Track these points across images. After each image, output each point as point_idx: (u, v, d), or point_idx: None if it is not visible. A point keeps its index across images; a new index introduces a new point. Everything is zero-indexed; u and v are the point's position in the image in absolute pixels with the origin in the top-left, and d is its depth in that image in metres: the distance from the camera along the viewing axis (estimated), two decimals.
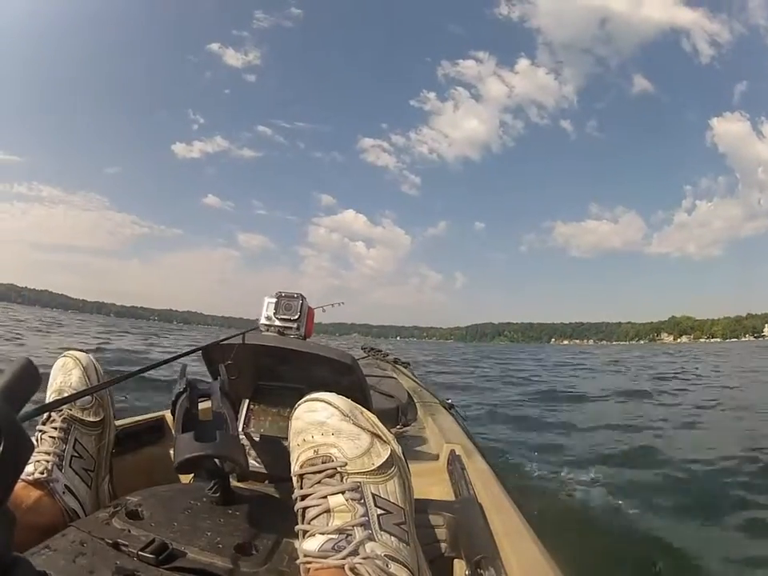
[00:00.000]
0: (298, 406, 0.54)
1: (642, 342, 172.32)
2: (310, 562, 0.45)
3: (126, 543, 0.54)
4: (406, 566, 0.46)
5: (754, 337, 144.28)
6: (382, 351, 3.69)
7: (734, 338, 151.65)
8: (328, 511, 0.47)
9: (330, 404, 0.52)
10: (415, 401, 1.85)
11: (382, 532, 0.47)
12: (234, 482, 0.71)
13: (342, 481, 0.48)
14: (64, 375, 0.79)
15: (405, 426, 1.58)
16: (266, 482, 0.89)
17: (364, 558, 0.44)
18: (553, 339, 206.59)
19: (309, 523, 0.48)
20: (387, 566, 0.45)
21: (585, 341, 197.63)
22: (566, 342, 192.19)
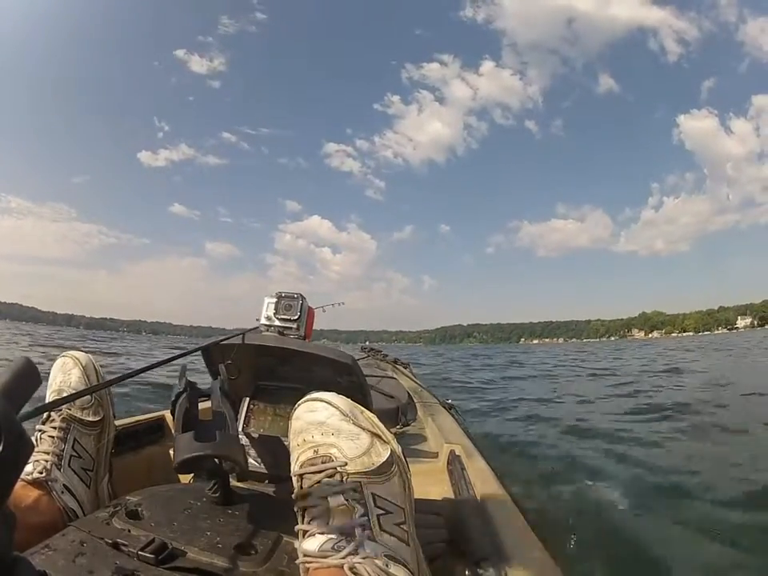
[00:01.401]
0: (298, 405, 0.54)
1: (612, 338, 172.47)
2: (309, 562, 0.45)
3: (126, 543, 0.53)
4: (405, 566, 0.46)
5: (728, 329, 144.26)
6: (381, 351, 3.70)
7: (706, 331, 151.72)
8: (328, 511, 0.47)
9: (330, 404, 0.52)
10: (415, 401, 1.85)
11: (382, 532, 0.47)
12: (233, 482, 0.71)
13: (341, 481, 0.48)
14: (63, 375, 0.79)
15: (405, 426, 1.58)
16: (266, 481, 0.89)
17: (364, 558, 0.44)
18: (522, 339, 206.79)
19: (308, 523, 0.48)
20: (387, 566, 0.45)
21: (555, 339, 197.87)
22: (535, 342, 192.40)
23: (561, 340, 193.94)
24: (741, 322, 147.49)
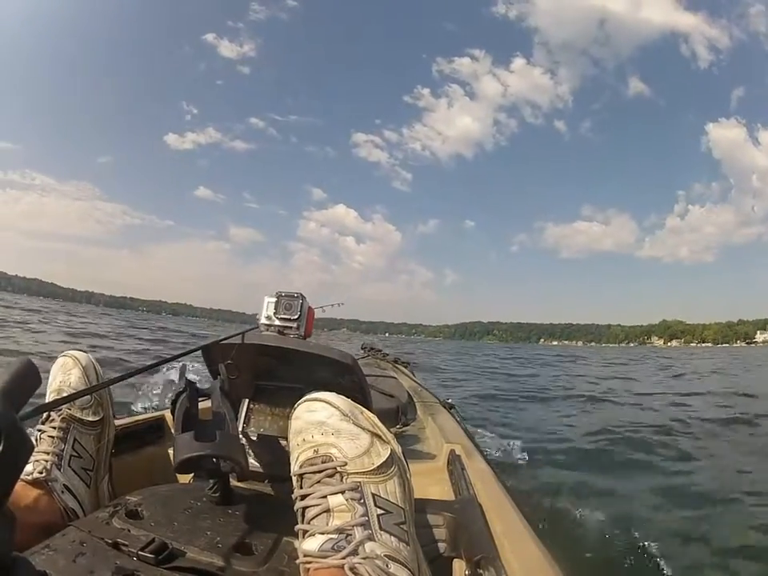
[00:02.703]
0: (298, 405, 0.54)
1: (632, 344, 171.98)
2: (309, 562, 0.45)
3: (126, 543, 0.53)
4: (405, 566, 0.46)
5: (746, 343, 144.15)
6: (381, 351, 3.70)
7: (725, 343, 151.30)
8: (328, 511, 0.47)
9: (330, 404, 0.52)
10: (415, 400, 1.85)
11: (382, 532, 0.47)
12: (233, 482, 0.71)
13: (341, 481, 0.48)
14: (63, 375, 0.79)
15: (405, 426, 1.58)
16: (266, 481, 0.89)
17: (364, 558, 0.44)
18: (542, 339, 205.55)
19: (308, 523, 0.47)
20: (387, 565, 0.44)
21: (574, 342, 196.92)
22: (555, 343, 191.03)
23: (580, 343, 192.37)
24: (759, 337, 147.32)
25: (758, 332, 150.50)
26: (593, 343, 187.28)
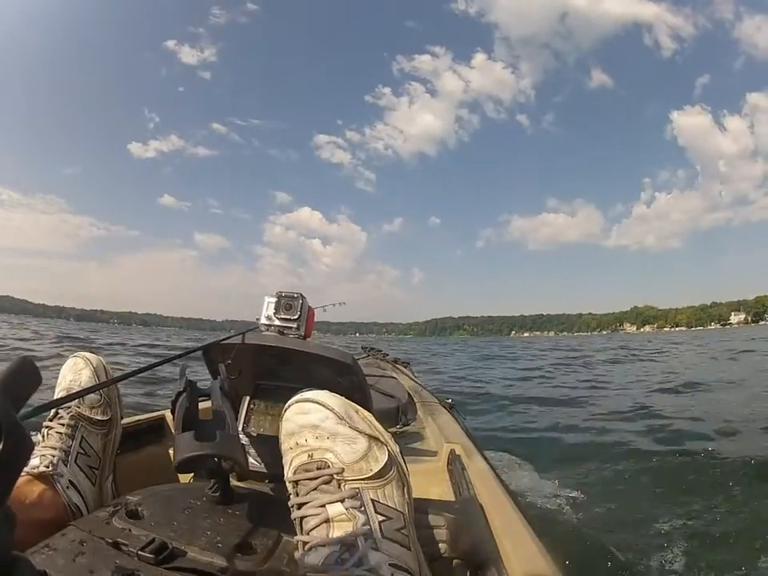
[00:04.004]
0: (289, 406, 0.52)
1: (604, 332, 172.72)
2: (312, 574, 0.44)
3: (126, 543, 0.53)
4: (409, 573, 0.45)
5: (721, 325, 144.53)
6: (381, 351, 3.70)
7: (699, 326, 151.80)
8: (327, 521, 0.46)
9: (324, 405, 0.50)
10: (415, 400, 1.85)
11: (384, 540, 0.46)
12: (233, 482, 0.71)
13: (339, 488, 0.47)
14: (74, 374, 0.79)
15: (405, 426, 1.57)
16: (266, 481, 0.89)
17: (368, 570, 0.43)
18: (513, 331, 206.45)
19: (308, 534, 0.46)
20: (392, 575, 0.44)
21: (545, 332, 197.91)
22: (526, 335, 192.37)
23: (551, 333, 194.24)
24: (734, 318, 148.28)
25: (733, 313, 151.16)
26: (564, 333, 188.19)
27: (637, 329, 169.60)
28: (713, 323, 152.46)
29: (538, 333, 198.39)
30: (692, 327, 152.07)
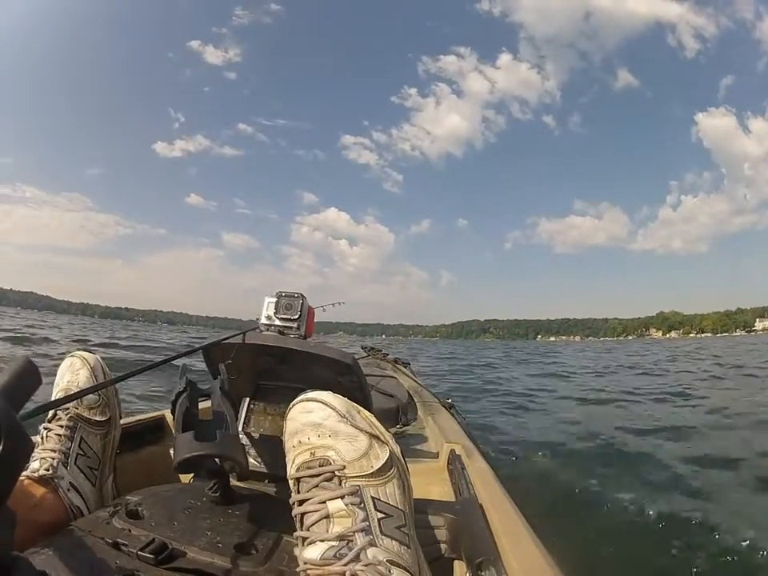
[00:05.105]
0: (293, 406, 0.53)
1: (630, 337, 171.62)
2: (310, 569, 0.44)
3: (126, 543, 0.53)
4: (407, 570, 0.45)
5: (746, 331, 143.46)
6: (381, 351, 3.70)
7: (724, 332, 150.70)
8: (327, 517, 0.46)
9: (326, 404, 0.51)
10: (415, 400, 1.85)
11: (383, 536, 0.46)
12: (233, 482, 0.71)
13: (340, 485, 0.47)
14: (71, 375, 0.79)
15: (405, 426, 1.58)
16: (266, 481, 0.89)
17: (366, 565, 0.43)
18: (539, 336, 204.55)
19: (308, 529, 0.47)
20: (389, 571, 0.44)
21: (572, 337, 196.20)
22: (552, 339, 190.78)
23: (578, 338, 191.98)
24: (759, 324, 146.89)
25: (758, 320, 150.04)
26: (591, 337, 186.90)
27: (663, 334, 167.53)
28: (738, 329, 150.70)
29: (564, 337, 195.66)
30: (717, 333, 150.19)
